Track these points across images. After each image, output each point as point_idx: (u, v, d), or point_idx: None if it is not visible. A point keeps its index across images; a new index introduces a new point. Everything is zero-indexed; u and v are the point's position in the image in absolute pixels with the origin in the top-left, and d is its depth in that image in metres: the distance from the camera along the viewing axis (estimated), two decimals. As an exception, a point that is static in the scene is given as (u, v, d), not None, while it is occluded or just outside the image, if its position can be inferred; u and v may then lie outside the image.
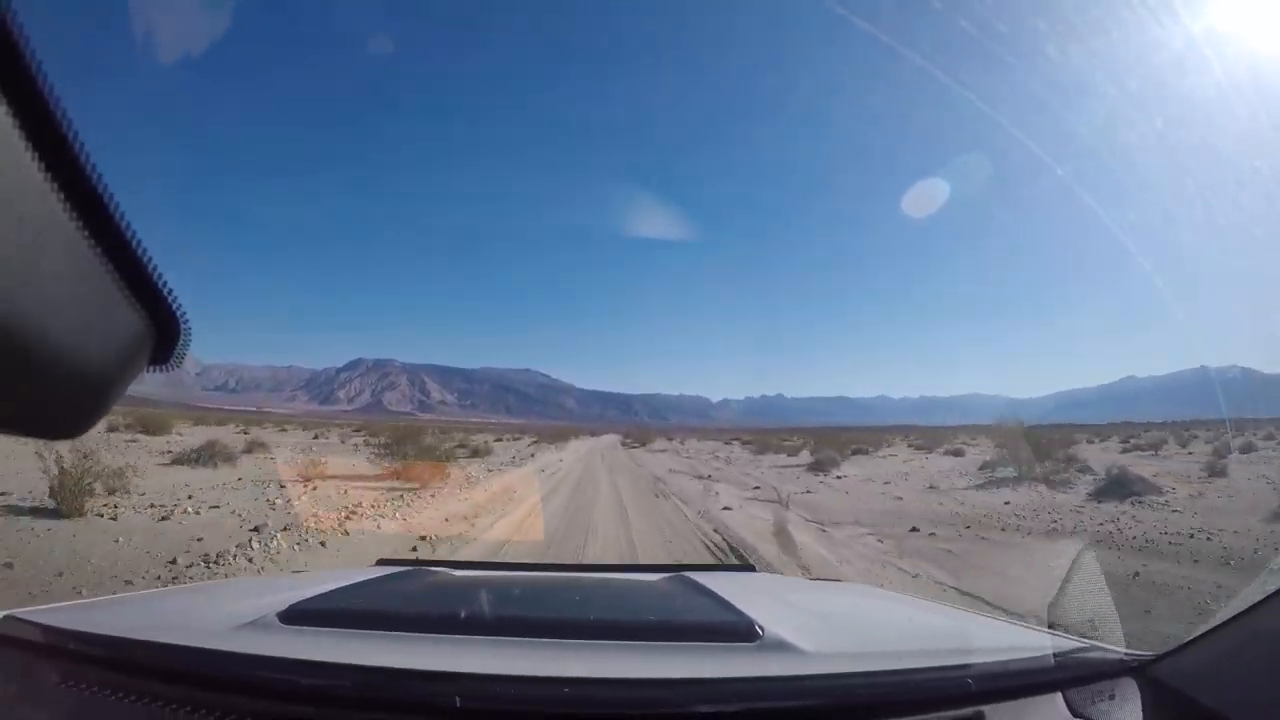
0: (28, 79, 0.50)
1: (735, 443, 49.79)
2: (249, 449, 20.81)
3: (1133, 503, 11.89)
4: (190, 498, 10.65)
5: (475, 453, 27.00)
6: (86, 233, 0.56)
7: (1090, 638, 1.46)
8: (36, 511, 8.44)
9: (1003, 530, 10.02)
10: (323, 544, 7.93)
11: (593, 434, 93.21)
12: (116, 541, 7.32)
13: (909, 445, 38.18)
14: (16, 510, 8.49)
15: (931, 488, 16.25)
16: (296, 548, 7.63)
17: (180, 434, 27.21)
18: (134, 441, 21.48)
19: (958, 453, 28.58)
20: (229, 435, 28.58)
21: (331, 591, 1.61)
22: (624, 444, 54.05)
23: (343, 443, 33.33)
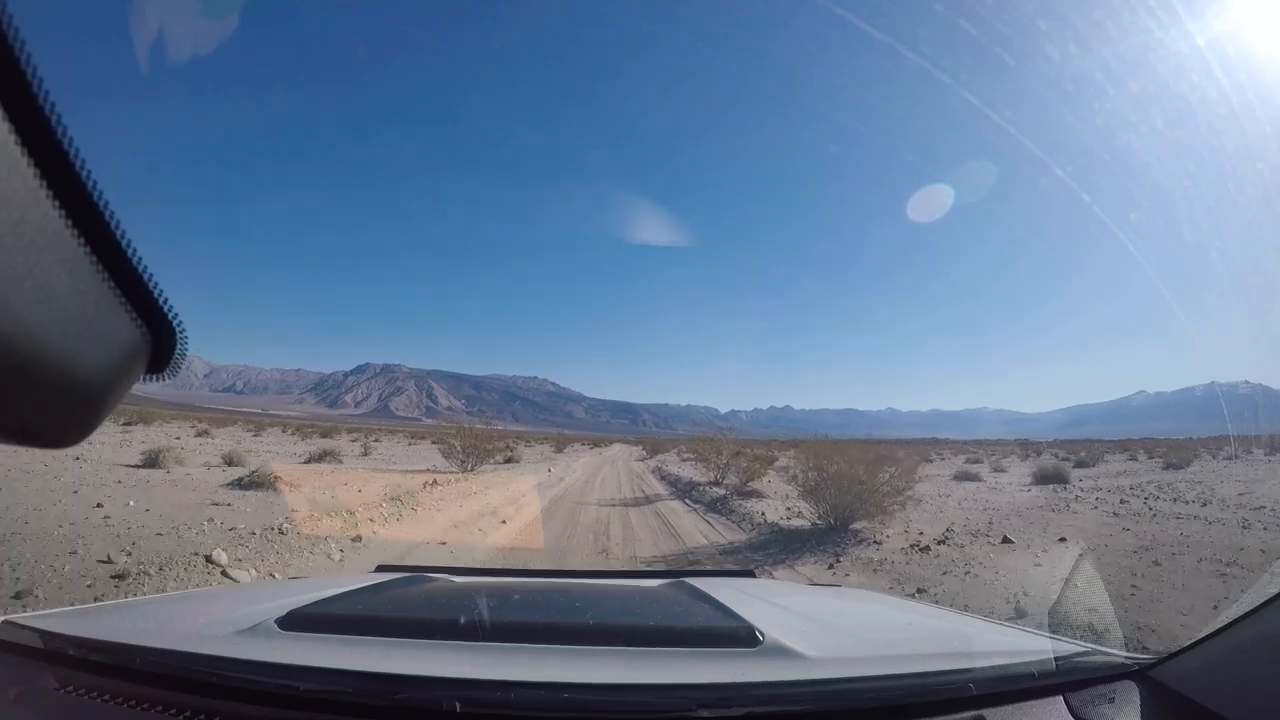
0: (23, 86, 0.50)
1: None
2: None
3: None
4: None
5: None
6: (82, 241, 0.55)
7: (1090, 641, 1.43)
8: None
9: None
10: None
11: (595, 445, 77.97)
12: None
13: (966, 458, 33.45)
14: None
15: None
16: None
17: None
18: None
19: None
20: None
21: (330, 597, 1.60)
22: (652, 475, 24.01)
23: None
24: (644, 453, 52.77)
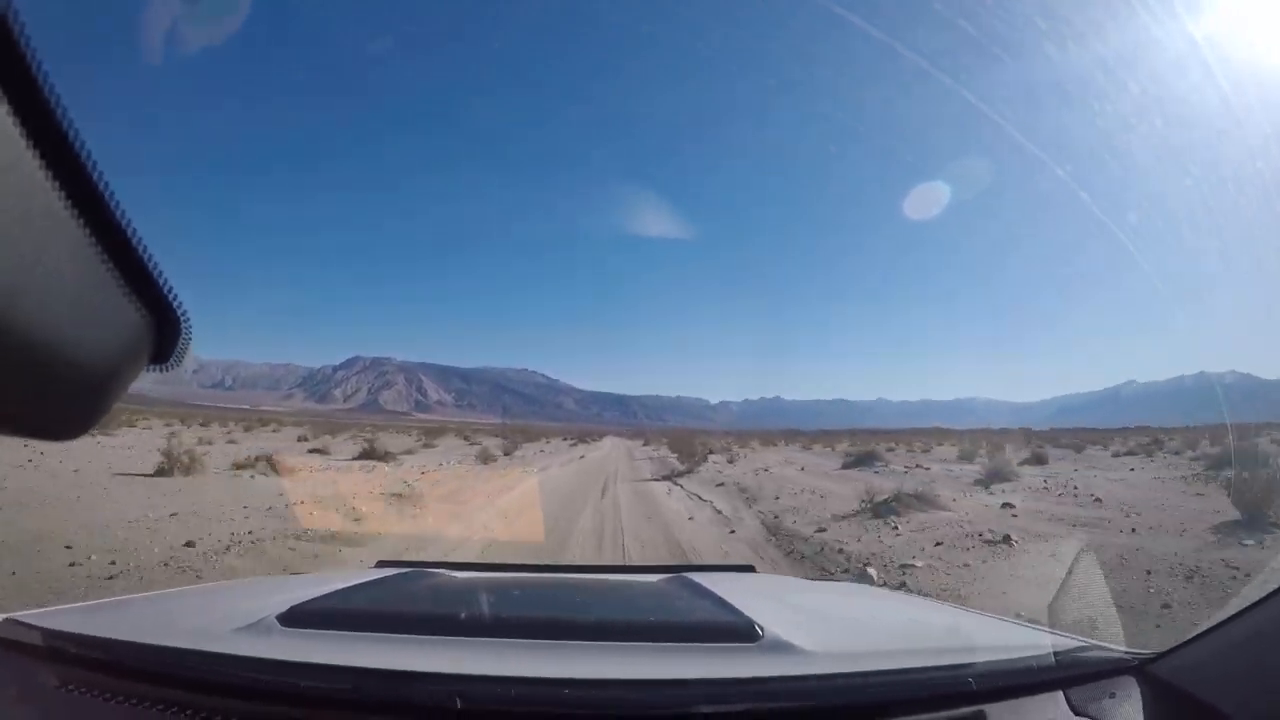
0: (28, 77, 0.50)
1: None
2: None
3: None
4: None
5: None
6: (88, 231, 0.55)
7: (1090, 636, 1.45)
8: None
9: None
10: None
11: (581, 439, 57.22)
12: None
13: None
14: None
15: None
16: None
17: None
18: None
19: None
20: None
21: (331, 593, 1.60)
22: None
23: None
24: (666, 456, 26.95)
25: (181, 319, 0.67)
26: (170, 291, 0.64)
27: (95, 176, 0.55)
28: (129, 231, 0.59)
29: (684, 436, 29.06)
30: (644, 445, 44.16)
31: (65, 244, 0.54)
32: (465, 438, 41.61)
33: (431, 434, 43.89)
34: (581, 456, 28.94)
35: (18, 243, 0.48)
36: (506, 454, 26.36)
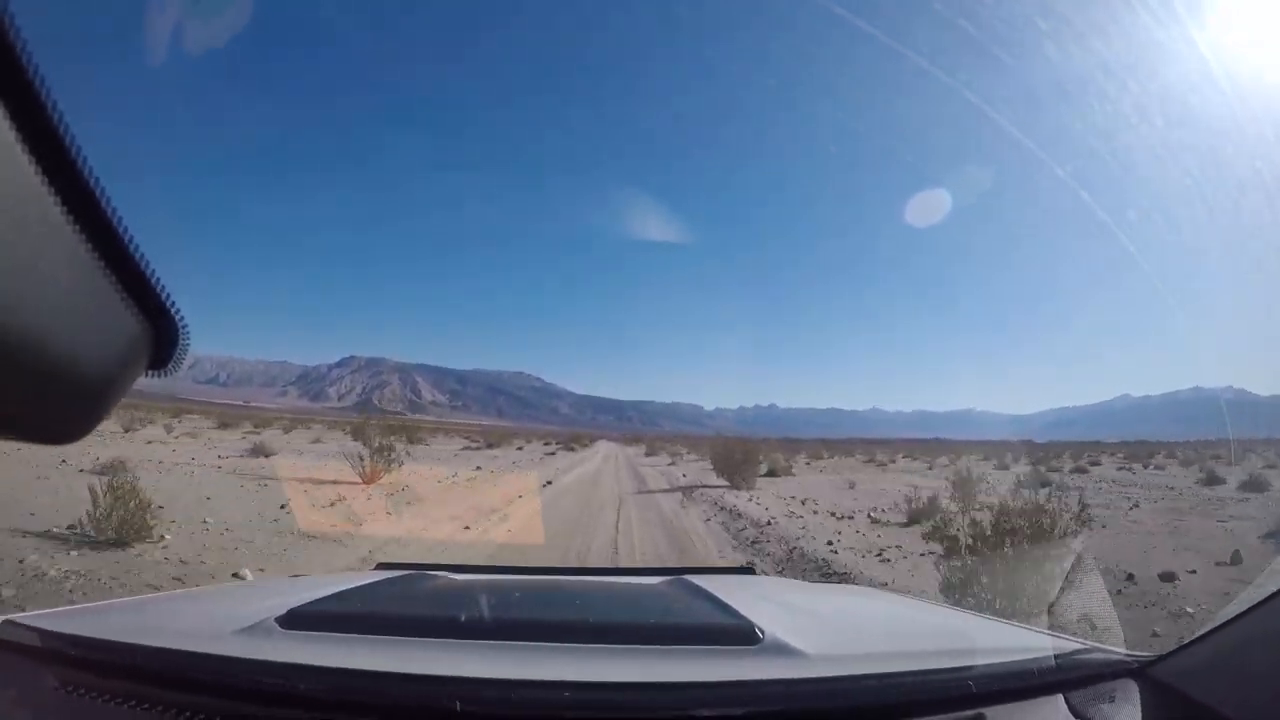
0: (25, 82, 0.49)
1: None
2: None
3: None
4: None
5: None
6: (85, 237, 0.55)
7: (1090, 639, 1.44)
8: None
9: None
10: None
11: (570, 445, 43.72)
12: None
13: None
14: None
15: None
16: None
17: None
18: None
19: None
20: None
21: (330, 595, 1.60)
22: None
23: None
24: (720, 492, 15.36)
25: (180, 327, 0.67)
26: (168, 299, 0.64)
27: (92, 183, 0.55)
28: (126, 239, 0.59)
29: (726, 446, 19.06)
30: (647, 455, 36.58)
31: (62, 251, 0.54)
32: (410, 440, 28.09)
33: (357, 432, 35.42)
34: (548, 483, 16.93)
35: (13, 249, 0.48)
36: (370, 482, 13.26)
